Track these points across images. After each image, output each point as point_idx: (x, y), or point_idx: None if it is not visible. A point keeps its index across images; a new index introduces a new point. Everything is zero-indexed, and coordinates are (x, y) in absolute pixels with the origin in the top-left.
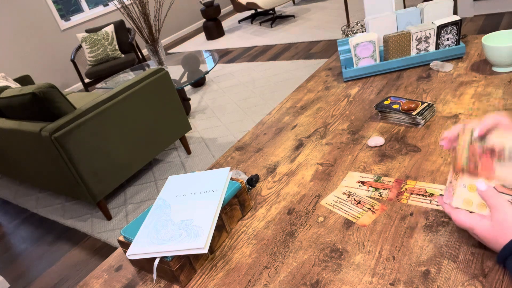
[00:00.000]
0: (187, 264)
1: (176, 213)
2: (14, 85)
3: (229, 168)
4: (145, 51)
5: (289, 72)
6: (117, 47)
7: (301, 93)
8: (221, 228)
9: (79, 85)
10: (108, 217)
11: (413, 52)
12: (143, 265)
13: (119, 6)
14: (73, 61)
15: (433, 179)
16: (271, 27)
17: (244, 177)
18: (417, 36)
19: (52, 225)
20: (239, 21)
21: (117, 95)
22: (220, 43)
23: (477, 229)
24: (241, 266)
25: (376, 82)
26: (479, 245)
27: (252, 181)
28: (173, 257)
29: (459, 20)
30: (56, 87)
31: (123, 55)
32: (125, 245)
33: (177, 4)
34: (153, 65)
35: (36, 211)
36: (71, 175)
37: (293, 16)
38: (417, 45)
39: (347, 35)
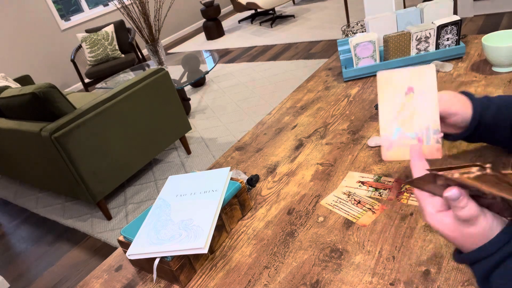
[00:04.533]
0: (187, 264)
1: (176, 213)
2: (14, 85)
3: (229, 168)
4: (145, 51)
5: (289, 72)
6: (117, 47)
7: (301, 93)
8: (221, 228)
9: (79, 85)
10: (108, 217)
11: (413, 52)
12: (143, 265)
13: (119, 6)
14: (73, 61)
15: None
16: (271, 27)
17: (244, 177)
18: (417, 36)
19: (52, 225)
20: (239, 21)
21: (117, 95)
22: (220, 43)
23: (433, 223)
24: (241, 266)
25: (376, 82)
26: None
27: (252, 181)
28: (173, 257)
29: (459, 20)
30: (56, 87)
31: (123, 55)
32: (125, 245)
33: (177, 4)
34: (153, 65)
35: (36, 211)
36: (71, 175)
37: (293, 16)
38: (417, 45)
39: (347, 35)
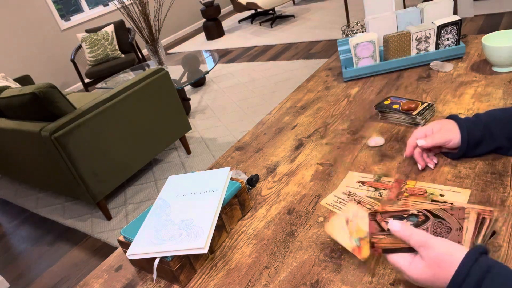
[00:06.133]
0: (187, 264)
1: (176, 213)
2: (14, 85)
3: (229, 168)
4: (145, 51)
5: (289, 72)
6: (117, 47)
7: (301, 93)
8: (221, 228)
9: (79, 85)
10: (108, 217)
11: (413, 52)
12: (143, 265)
13: (119, 6)
14: (73, 61)
15: (433, 179)
16: (271, 27)
17: (244, 177)
18: (417, 36)
19: (52, 225)
20: (239, 21)
21: (117, 95)
22: (220, 43)
23: (411, 274)
24: (241, 266)
25: (376, 82)
26: None
27: (252, 181)
28: (173, 257)
29: (459, 20)
30: (56, 87)
31: (123, 55)
32: (125, 245)
33: (177, 4)
34: (153, 65)
35: (36, 211)
36: (71, 175)
37: (293, 16)
38: (417, 45)
39: (347, 35)
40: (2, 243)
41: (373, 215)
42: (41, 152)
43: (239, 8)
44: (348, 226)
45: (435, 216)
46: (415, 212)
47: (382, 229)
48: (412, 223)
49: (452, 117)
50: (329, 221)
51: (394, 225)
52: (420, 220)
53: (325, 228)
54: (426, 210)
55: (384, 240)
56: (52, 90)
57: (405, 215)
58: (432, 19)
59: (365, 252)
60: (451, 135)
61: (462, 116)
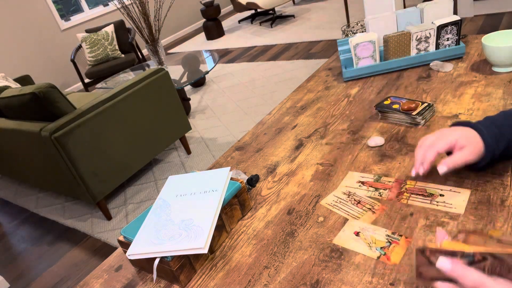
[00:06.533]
0: (187, 264)
1: (176, 213)
2: (14, 85)
3: (229, 168)
4: (145, 51)
5: (289, 72)
6: (117, 47)
7: (301, 93)
8: (221, 228)
9: (79, 85)
10: (108, 217)
11: (413, 52)
12: (143, 265)
13: (119, 6)
14: (73, 61)
15: (433, 179)
16: (271, 27)
17: (244, 177)
18: (417, 36)
19: (52, 225)
20: (239, 21)
21: (117, 95)
22: (220, 43)
23: None
24: (241, 266)
25: (376, 82)
26: None
27: (252, 181)
28: (173, 257)
29: (459, 20)
30: (56, 87)
31: (123, 55)
32: (125, 245)
33: (177, 4)
34: (153, 65)
35: (36, 211)
36: (71, 175)
37: (293, 16)
38: (417, 45)
39: (347, 35)
40: (2, 243)
41: (421, 251)
42: (41, 152)
43: (239, 8)
44: (361, 238)
45: (496, 257)
46: (471, 252)
47: (431, 263)
48: (466, 261)
49: (478, 130)
50: (336, 236)
51: (444, 263)
52: (476, 259)
53: (334, 241)
54: (488, 253)
55: (432, 271)
56: (52, 90)
57: (459, 254)
58: (432, 19)
59: (395, 258)
60: (473, 157)
61: (464, 118)
